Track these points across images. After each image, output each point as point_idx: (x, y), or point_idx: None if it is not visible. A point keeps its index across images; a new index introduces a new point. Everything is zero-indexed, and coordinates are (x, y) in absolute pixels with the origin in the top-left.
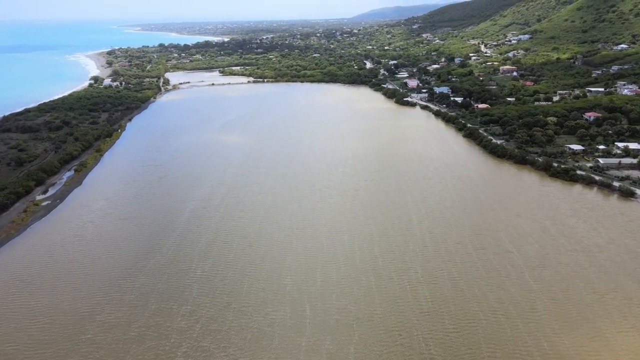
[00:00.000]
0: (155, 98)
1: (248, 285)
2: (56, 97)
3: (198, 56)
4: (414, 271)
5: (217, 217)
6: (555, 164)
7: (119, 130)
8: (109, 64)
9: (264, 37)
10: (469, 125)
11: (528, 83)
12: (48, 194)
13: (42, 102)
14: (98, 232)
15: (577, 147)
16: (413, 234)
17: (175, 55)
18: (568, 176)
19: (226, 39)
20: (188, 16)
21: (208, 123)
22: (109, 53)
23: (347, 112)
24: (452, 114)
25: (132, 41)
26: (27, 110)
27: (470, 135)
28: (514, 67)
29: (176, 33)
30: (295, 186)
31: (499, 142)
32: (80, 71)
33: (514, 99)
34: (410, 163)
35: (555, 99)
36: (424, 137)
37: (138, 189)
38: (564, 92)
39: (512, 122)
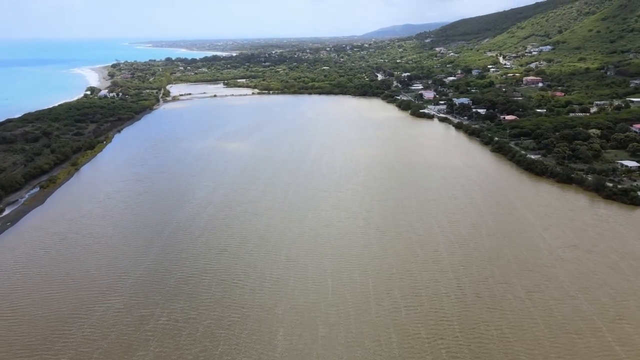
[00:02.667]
0: (151, 109)
1: (225, 345)
2: (44, 108)
3: (204, 69)
4: (449, 324)
5: (199, 244)
6: (610, 184)
7: (104, 142)
8: (111, 75)
9: (273, 52)
10: (496, 138)
11: (558, 93)
12: (3, 214)
13: (27, 112)
14: (47, 263)
15: (631, 163)
16: (443, 270)
17: (181, 68)
18: (628, 198)
19: (234, 54)
20: (198, 34)
21: (203, 135)
22: (114, 66)
23: (357, 124)
24: (476, 126)
25: (141, 56)
26: (9, 121)
27: (500, 150)
28: (538, 78)
29: (186, 49)
30: (296, 206)
31: (534, 157)
32: (81, 83)
33: (544, 110)
34: (432, 180)
35: (593, 110)
36: (446, 151)
37: (110, 208)
38: (601, 102)
39: (548, 134)
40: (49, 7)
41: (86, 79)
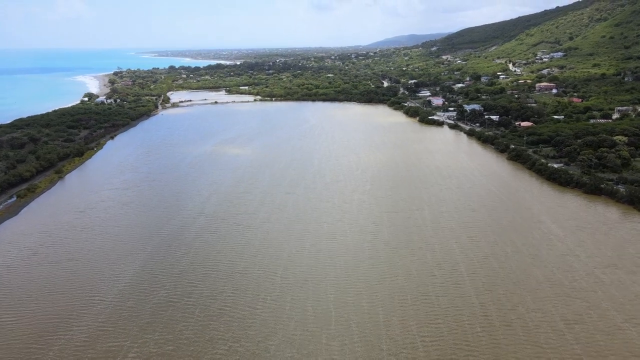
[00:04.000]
0: (148, 115)
1: None
2: (37, 114)
3: (207, 77)
4: None
5: (184, 263)
6: None
7: (95, 149)
8: (112, 82)
9: (277, 60)
10: (512, 146)
11: (575, 99)
12: None
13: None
14: (10, 282)
15: None
16: (465, 294)
17: (184, 76)
18: None
19: (238, 62)
20: (204, 44)
21: (199, 142)
22: (115, 74)
23: (363, 130)
24: (489, 133)
25: (146, 65)
26: None
27: (517, 158)
28: (552, 84)
29: (191, 58)
30: (296, 218)
31: (556, 166)
32: (81, 90)
33: (562, 116)
34: (445, 190)
35: (615, 116)
36: (459, 159)
37: (90, 220)
38: (624, 108)
39: (569, 142)
40: (59, 19)
41: (86, 86)
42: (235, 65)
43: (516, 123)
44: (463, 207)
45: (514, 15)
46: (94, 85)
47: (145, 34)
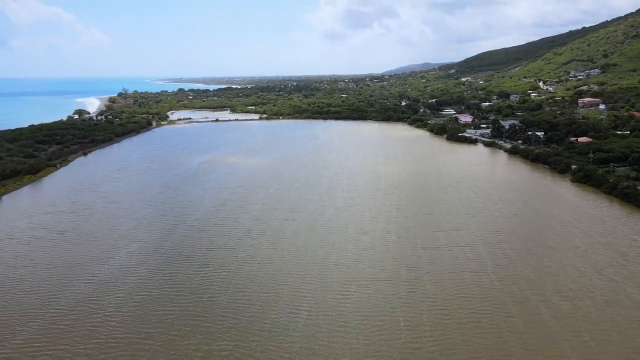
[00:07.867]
0: (138, 132)
1: None
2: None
3: (214, 98)
4: None
5: (98, 334)
6: None
7: (57, 166)
8: (112, 102)
9: (290, 84)
10: (573, 166)
11: (636, 113)
12: None
13: None
14: None
15: None
16: None
17: (190, 97)
18: None
19: (249, 87)
20: (218, 72)
21: (184, 160)
22: (120, 95)
23: (383, 148)
24: (538, 151)
25: (157, 89)
26: None
27: (587, 180)
28: (597, 99)
29: (203, 84)
30: (294, 257)
31: None
32: (79, 108)
33: (628, 131)
34: (501, 220)
35: None
36: (507, 182)
37: (5, 254)
38: None
39: None
40: (81, 48)
41: (86, 105)
42: (245, 88)
43: (572, 138)
44: (534, 243)
45: (523, 41)
46: (95, 105)
47: (162, 63)
